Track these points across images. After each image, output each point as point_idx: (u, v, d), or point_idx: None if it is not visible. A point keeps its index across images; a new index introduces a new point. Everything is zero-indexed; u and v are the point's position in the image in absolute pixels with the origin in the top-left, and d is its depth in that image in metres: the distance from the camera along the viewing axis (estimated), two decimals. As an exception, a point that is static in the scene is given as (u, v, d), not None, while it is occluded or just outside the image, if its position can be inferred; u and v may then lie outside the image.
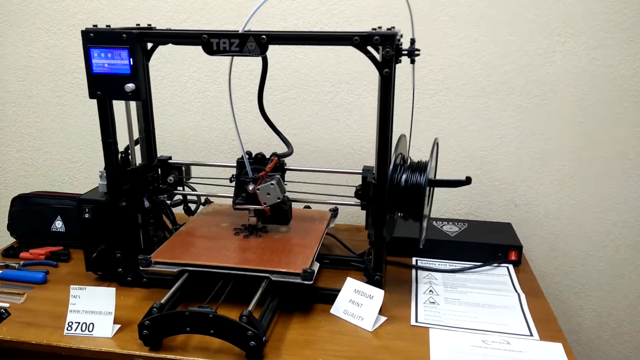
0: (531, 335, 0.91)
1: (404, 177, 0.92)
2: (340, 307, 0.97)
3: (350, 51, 0.88)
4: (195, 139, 1.47)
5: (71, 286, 0.94)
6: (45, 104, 1.52)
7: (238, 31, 0.89)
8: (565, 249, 1.39)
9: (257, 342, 0.82)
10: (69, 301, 0.94)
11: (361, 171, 1.08)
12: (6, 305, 1.00)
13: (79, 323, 0.92)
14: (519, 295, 1.04)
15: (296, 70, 1.37)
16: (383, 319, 0.95)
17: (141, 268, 0.98)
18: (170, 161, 1.16)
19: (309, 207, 1.26)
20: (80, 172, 1.57)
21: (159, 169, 1.16)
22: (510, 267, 1.15)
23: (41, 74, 1.50)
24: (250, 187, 1.03)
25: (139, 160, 1.11)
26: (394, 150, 0.92)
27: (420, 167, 0.92)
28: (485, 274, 1.13)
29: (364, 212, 1.03)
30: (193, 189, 1.21)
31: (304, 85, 1.38)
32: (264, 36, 0.88)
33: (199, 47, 0.90)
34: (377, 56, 0.88)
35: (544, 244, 1.39)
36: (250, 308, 0.85)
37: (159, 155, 1.16)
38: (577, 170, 1.33)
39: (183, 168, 1.17)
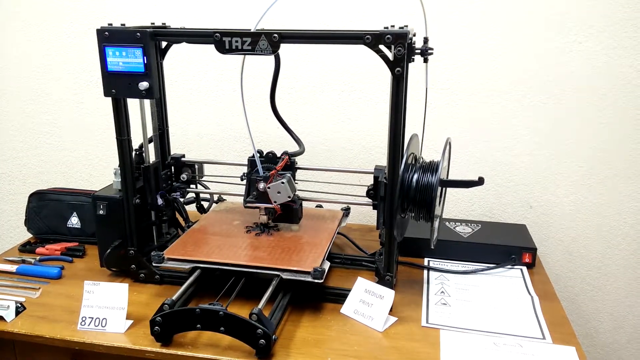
0: (544, 338, 0.90)
1: (415, 176, 0.91)
2: (351, 306, 0.97)
3: (362, 50, 0.87)
4: (209, 137, 1.48)
5: (85, 282, 0.95)
6: (62, 102, 1.55)
7: (250, 30, 0.90)
8: (582, 252, 1.36)
9: (266, 340, 0.82)
10: (82, 296, 0.95)
11: (373, 170, 1.08)
12: (22, 299, 1.02)
13: (92, 318, 0.93)
14: (532, 297, 1.02)
15: (309, 69, 1.37)
16: (393, 319, 0.95)
17: (154, 264, 0.99)
18: (183, 159, 1.17)
19: (320, 207, 1.26)
20: (97, 169, 1.59)
21: (172, 167, 1.17)
22: (524, 269, 1.14)
23: (58, 72, 1.52)
24: (261, 186, 1.04)
25: (152, 158, 1.12)
26: (406, 149, 0.92)
27: (432, 167, 0.91)
28: (498, 276, 1.12)
29: (375, 211, 1.02)
30: (206, 187, 1.22)
31: (316, 84, 1.38)
32: (276, 35, 0.88)
33: (213, 46, 0.91)
34: (389, 55, 0.87)
35: (559, 247, 1.37)
36: (260, 306, 0.85)
37: (172, 153, 1.17)
38: (593, 171, 1.31)
39: (196, 166, 1.18)
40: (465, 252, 1.17)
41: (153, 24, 1.07)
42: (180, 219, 1.18)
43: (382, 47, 0.86)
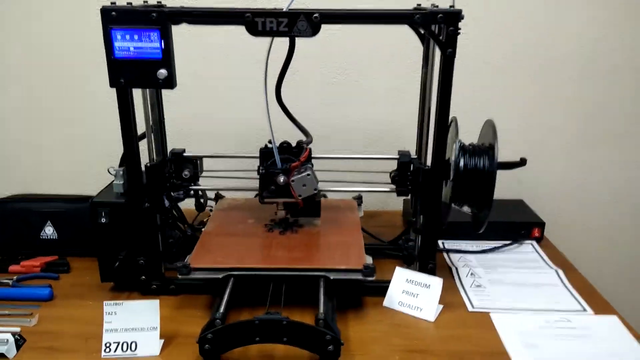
0: (585, 310, 0.93)
1: (462, 161, 0.89)
2: (394, 298, 0.93)
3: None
4: (198, 129, 1.35)
5: (104, 302, 0.82)
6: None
7: (283, 9, 0.81)
8: (582, 222, 1.41)
9: (335, 345, 0.76)
10: (90, 317, 0.85)
11: (397, 156, 1.04)
12: (16, 329, 0.86)
13: (118, 343, 0.81)
14: (556, 271, 1.05)
15: (306, 56, 1.28)
16: (440, 307, 0.93)
17: (180, 277, 0.88)
18: (184, 154, 1.05)
19: (324, 196, 1.20)
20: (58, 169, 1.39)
21: (171, 164, 1.05)
22: (534, 243, 1.17)
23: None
24: (282, 179, 0.96)
25: (145, 155, 0.99)
26: (456, 133, 0.89)
27: (482, 150, 0.89)
28: (513, 253, 1.14)
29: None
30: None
31: (313, 68, 1.30)
32: (317, 15, 0.80)
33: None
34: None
35: (557, 219, 1.38)
36: (321, 310, 0.79)
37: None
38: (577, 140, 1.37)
39: (197, 161, 1.07)
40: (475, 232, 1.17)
41: (146, 2, 0.93)
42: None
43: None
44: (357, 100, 1.34)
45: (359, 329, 0.87)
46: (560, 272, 1.05)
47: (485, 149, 0.89)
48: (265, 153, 0.99)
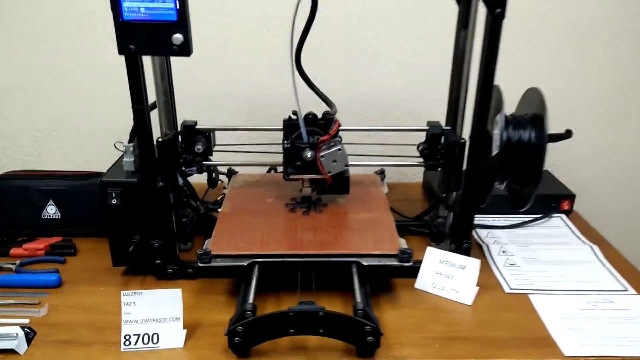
0: (626, 290, 0.88)
1: (504, 134, 0.82)
2: (426, 280, 0.88)
3: None
4: (204, 98, 1.26)
5: (122, 292, 0.75)
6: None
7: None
8: (610, 191, 1.36)
9: (375, 336, 0.71)
10: (104, 305, 0.81)
11: (427, 127, 0.97)
12: (25, 320, 0.80)
13: (138, 335, 0.75)
14: (591, 247, 1.01)
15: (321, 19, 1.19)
16: (476, 289, 0.88)
17: (201, 265, 0.81)
18: (197, 127, 0.97)
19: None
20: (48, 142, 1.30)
21: (182, 137, 0.96)
22: (564, 216, 1.12)
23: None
24: (309, 154, 0.88)
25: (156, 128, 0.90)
26: (502, 104, 0.81)
27: (527, 121, 0.82)
28: (542, 227, 1.09)
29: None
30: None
31: (329, 32, 1.20)
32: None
33: None
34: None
35: (587, 191, 1.31)
36: (359, 300, 0.74)
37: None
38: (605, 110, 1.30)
39: (210, 134, 0.99)
40: (503, 205, 1.11)
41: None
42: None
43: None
44: (371, 68, 1.25)
45: (392, 315, 0.82)
46: (596, 247, 1.00)
47: (530, 120, 0.82)
48: (289, 125, 0.91)
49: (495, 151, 0.80)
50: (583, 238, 1.04)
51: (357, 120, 1.26)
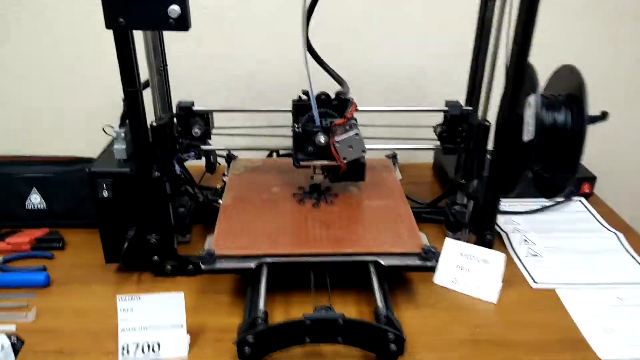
0: (657, 282, 0.83)
1: (549, 115, 0.74)
2: (445, 275, 0.82)
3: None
4: (199, 76, 1.16)
5: (118, 297, 0.68)
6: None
7: None
8: (632, 173, 1.30)
9: (398, 344, 0.65)
10: (97, 308, 0.74)
11: (445, 108, 0.89)
12: (11, 327, 0.72)
13: (137, 344, 0.68)
14: (615, 234, 0.95)
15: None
16: (500, 285, 0.81)
17: (204, 267, 0.73)
18: (194, 108, 0.88)
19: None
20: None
21: (177, 120, 0.88)
22: (583, 200, 1.06)
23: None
24: (322, 139, 0.80)
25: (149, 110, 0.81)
26: (536, 82, 0.73)
27: (561, 102, 0.74)
28: (562, 212, 1.03)
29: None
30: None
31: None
32: None
33: None
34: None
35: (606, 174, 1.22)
36: (379, 304, 0.67)
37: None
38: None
39: (208, 116, 0.90)
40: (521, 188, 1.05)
41: None
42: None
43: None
44: (378, 43, 1.15)
45: (411, 315, 0.76)
46: (621, 235, 0.94)
47: (565, 101, 0.74)
48: (299, 106, 0.83)
49: (527, 136, 0.73)
50: (606, 224, 0.98)
51: (365, 98, 1.18)
